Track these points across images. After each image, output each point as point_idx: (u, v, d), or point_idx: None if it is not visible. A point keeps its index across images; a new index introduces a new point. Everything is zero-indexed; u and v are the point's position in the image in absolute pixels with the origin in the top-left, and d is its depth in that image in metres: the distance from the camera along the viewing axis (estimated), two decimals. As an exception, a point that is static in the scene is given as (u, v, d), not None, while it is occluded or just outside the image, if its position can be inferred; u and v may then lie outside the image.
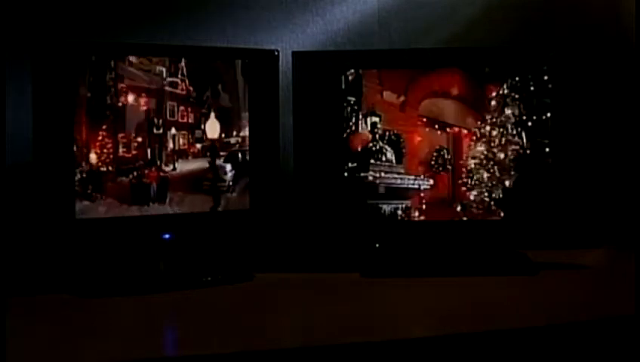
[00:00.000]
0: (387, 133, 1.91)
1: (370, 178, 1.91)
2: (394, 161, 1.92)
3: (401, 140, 1.91)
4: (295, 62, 1.91)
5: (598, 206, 1.95)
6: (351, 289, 1.77)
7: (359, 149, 1.91)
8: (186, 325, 1.54)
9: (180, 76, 1.82)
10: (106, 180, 1.74)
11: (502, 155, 1.91)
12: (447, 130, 1.92)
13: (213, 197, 1.85)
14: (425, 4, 2.17)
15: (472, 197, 1.91)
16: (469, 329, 1.46)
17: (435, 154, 1.92)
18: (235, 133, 1.87)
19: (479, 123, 1.92)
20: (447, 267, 1.87)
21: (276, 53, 1.90)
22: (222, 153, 1.86)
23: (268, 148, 1.89)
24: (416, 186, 1.92)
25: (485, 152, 1.92)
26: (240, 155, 1.88)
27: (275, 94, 1.89)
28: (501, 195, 1.91)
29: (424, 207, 1.91)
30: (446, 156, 1.92)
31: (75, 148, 1.70)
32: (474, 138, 1.92)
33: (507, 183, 1.91)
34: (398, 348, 1.39)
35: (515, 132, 1.90)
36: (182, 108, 1.83)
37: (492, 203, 1.91)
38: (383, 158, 1.91)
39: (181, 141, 1.82)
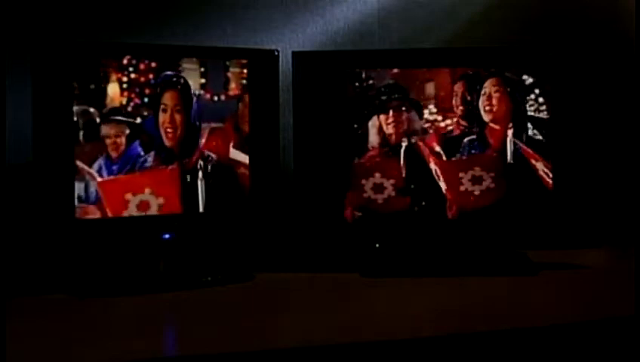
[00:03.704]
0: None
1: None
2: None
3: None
4: (295, 62, 1.91)
5: (598, 206, 1.96)
6: (351, 289, 1.77)
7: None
8: (186, 325, 1.54)
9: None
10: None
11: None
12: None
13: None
14: (425, 4, 2.17)
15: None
16: (469, 329, 1.46)
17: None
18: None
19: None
20: (447, 267, 1.87)
21: (276, 53, 1.90)
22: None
23: (268, 148, 1.89)
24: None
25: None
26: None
27: (275, 94, 1.89)
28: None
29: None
30: None
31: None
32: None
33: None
34: (398, 348, 1.39)
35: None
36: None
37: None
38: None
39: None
